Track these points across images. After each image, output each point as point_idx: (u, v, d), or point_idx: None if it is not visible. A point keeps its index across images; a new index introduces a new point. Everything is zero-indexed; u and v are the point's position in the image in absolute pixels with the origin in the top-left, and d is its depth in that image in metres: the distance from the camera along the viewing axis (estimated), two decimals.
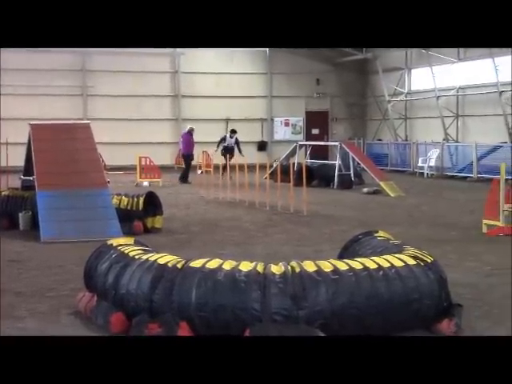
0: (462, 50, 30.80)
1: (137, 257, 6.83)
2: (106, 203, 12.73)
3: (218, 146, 27.65)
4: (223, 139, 28.08)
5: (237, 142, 27.74)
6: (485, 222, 13.06)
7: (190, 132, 26.80)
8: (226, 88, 36.14)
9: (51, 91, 33.24)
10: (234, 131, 28.33)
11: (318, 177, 24.11)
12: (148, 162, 25.16)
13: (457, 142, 30.97)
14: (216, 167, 21.84)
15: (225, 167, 23.99)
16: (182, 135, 28.26)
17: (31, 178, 13.86)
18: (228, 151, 27.25)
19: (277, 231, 13.46)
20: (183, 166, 26.85)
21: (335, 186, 23.14)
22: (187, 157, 26.22)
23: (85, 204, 12.47)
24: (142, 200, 13.27)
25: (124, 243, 7.40)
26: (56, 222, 12.17)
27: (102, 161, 23.84)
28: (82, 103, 34.68)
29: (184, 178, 25.58)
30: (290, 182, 17.29)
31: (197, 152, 26.49)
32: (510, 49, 27.04)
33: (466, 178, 26.95)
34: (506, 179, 13.81)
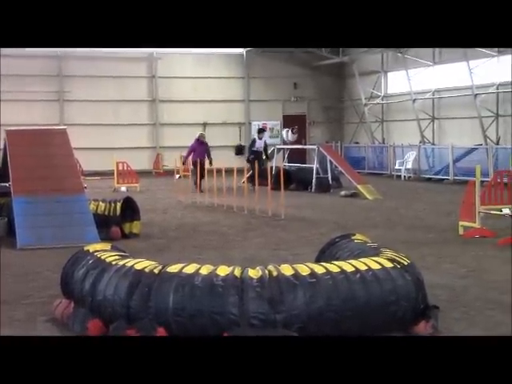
0: (437, 53, 31.01)
1: (114, 262, 6.80)
2: (82, 209, 12.67)
3: (249, 153, 24.97)
4: (253, 143, 25.09)
5: (265, 146, 24.89)
6: (461, 223, 13.14)
7: (199, 138, 24.31)
8: (203, 92, 36.15)
9: (27, 97, 33.06)
10: (262, 131, 25.56)
11: (295, 180, 24.13)
12: (125, 167, 25.08)
13: (433, 144, 31.16)
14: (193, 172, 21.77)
15: (253, 177, 20.54)
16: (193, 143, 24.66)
17: (7, 185, 13.77)
18: (257, 157, 24.19)
19: (255, 235, 13.47)
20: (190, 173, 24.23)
21: (313, 190, 23.18)
22: (195, 165, 23.09)
23: (61, 210, 12.40)
24: (119, 205, 13.23)
25: (101, 249, 7.37)
26: (32, 229, 12.09)
27: (79, 166, 23.80)
28: (58, 108, 34.52)
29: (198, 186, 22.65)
30: (267, 185, 17.32)
31: (174, 156, 26.37)
32: (484, 52, 27.30)
33: (442, 180, 27.12)
34: (482, 181, 13.92)
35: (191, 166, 23.83)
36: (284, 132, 25.81)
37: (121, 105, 35.20)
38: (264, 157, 24.68)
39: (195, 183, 22.72)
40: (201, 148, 23.74)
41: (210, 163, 22.89)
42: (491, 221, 13.75)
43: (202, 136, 24.30)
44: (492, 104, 28.26)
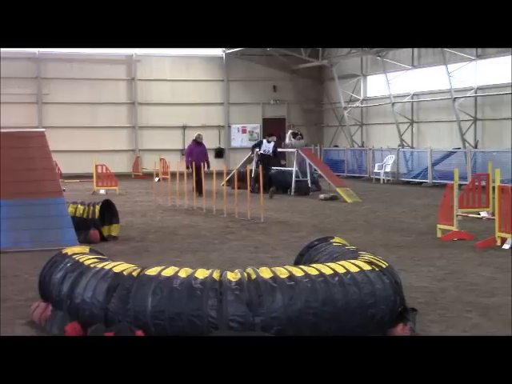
0: (416, 56, 31.21)
1: (92, 265, 6.78)
2: (61, 212, 12.60)
3: (253, 153, 24.11)
4: (258, 145, 24.45)
5: (275, 150, 24.06)
6: (439, 226, 13.22)
7: (196, 139, 23.59)
8: (182, 95, 36.15)
9: (5, 99, 32.86)
10: (272, 135, 24.60)
11: (275, 183, 24.17)
12: (104, 170, 25.00)
13: (412, 147, 31.33)
14: (173, 174, 21.73)
15: (257, 180, 20.70)
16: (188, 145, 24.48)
17: None
18: (265, 160, 23.62)
19: (234, 238, 13.47)
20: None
21: (292, 193, 23.24)
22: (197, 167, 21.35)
23: (40, 213, 12.33)
24: (98, 208, 13.19)
25: (79, 252, 7.34)
26: (10, 232, 12.01)
27: (58, 169, 23.73)
28: (36, 111, 34.37)
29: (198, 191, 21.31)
30: (247, 188, 17.34)
31: (153, 159, 26.31)
32: (462, 56, 27.50)
33: (421, 183, 27.27)
34: (460, 184, 14.02)
35: (188, 169, 22.57)
36: (287, 136, 24.73)
37: (100, 107, 35.13)
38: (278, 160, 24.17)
39: (193, 188, 20.89)
40: (198, 149, 23.16)
41: (208, 167, 22.29)
42: (469, 224, 13.85)
43: (199, 137, 23.68)
44: (470, 108, 28.46)
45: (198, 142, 23.41)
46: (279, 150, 24.83)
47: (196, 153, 22.95)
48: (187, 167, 22.70)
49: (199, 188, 21.35)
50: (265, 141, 24.26)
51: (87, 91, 34.61)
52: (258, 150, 23.96)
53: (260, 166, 20.81)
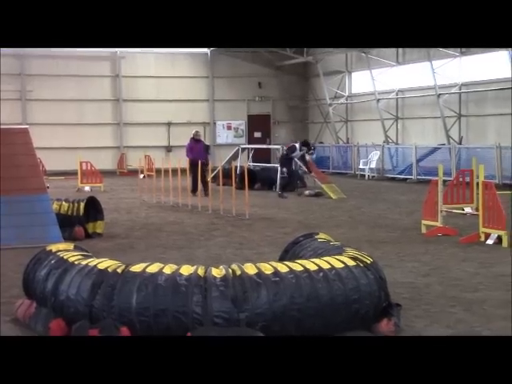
0: (400, 53, 31.28)
1: (76, 262, 6.76)
2: (45, 209, 12.55)
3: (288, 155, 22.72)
4: (291, 149, 23.00)
5: (303, 157, 23.49)
6: (424, 222, 13.27)
7: (194, 137, 22.76)
8: (167, 92, 36.08)
9: None
10: (307, 145, 24.29)
11: (260, 180, 24.19)
12: (89, 167, 24.93)
13: (397, 144, 31.41)
14: (158, 171, 21.66)
15: (286, 186, 21.88)
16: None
17: None
18: (292, 163, 23.04)
19: (219, 234, 13.47)
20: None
21: (277, 189, 23.22)
22: (192, 165, 20.55)
23: (24, 210, 12.28)
24: (82, 205, 13.15)
25: (63, 249, 7.32)
26: None
27: (42, 166, 23.64)
28: (20, 108, 34.21)
29: (193, 189, 20.39)
30: (232, 185, 17.34)
31: (138, 156, 26.23)
32: (447, 53, 27.59)
33: (406, 179, 27.35)
34: (444, 180, 14.08)
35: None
36: (297, 147, 23.04)
37: (84, 104, 35.01)
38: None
39: (192, 188, 20.29)
40: (198, 147, 22.35)
41: (206, 164, 21.43)
42: (453, 219, 13.91)
43: (196, 134, 22.94)
44: (455, 104, 28.58)
45: (196, 140, 22.67)
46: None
47: (196, 150, 22.11)
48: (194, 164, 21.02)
49: (195, 186, 20.40)
50: (297, 146, 23.18)
51: (71, 88, 34.47)
52: (292, 155, 22.81)
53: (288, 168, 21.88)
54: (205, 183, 20.72)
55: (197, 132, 23.21)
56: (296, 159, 23.01)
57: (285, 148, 23.55)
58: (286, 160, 22.80)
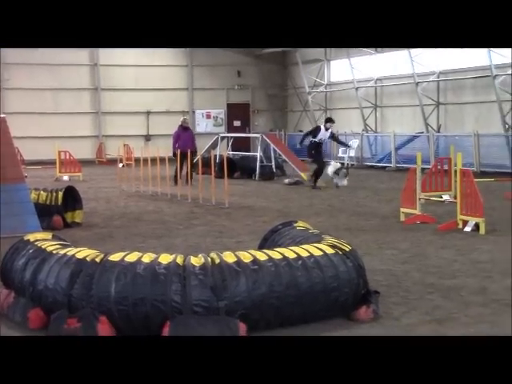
0: None
1: (55, 252, 6.73)
2: (23, 198, 12.47)
3: (301, 143, 21.37)
4: (312, 132, 20.96)
5: (333, 136, 21.22)
6: (402, 210, 13.33)
7: (182, 124, 22.13)
8: (146, 81, 35.93)
9: None
10: (330, 120, 21.14)
11: (239, 168, 24.20)
12: (68, 156, 24.80)
13: (376, 132, 31.51)
14: (137, 160, 21.56)
15: (317, 174, 19.97)
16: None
17: None
18: (319, 148, 20.70)
19: (198, 223, 13.46)
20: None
21: (257, 178, 23.27)
22: (181, 154, 20.49)
23: (2, 199, 12.18)
24: (60, 194, 13.09)
25: (41, 238, 7.29)
26: None
27: (20, 155, 23.49)
28: None
29: (175, 178, 20.36)
30: (211, 174, 17.32)
31: (117, 145, 26.09)
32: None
33: (385, 167, 27.47)
34: (423, 168, 14.14)
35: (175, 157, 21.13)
36: (322, 128, 20.57)
37: (62, 93, 34.78)
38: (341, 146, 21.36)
39: (175, 177, 20.19)
40: (186, 135, 21.74)
41: (194, 153, 20.31)
42: (432, 207, 14.00)
43: (184, 121, 22.28)
44: (433, 92, 28.69)
45: (184, 127, 22.03)
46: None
47: (184, 139, 21.44)
48: (174, 155, 21.29)
49: (179, 175, 20.10)
50: (322, 127, 20.65)
51: (49, 77, 34.22)
52: (312, 139, 20.67)
53: (318, 156, 20.00)
54: (191, 173, 19.85)
55: (185, 119, 22.71)
56: (326, 141, 20.95)
57: (306, 132, 21.80)
58: (316, 146, 20.48)
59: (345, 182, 20.16)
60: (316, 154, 20.55)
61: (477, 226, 11.68)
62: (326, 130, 20.43)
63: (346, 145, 23.20)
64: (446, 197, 14.33)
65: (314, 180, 20.16)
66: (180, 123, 22.23)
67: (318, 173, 20.11)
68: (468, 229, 11.79)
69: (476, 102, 26.75)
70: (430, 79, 28.50)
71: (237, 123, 37.91)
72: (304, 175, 21.54)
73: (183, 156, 19.43)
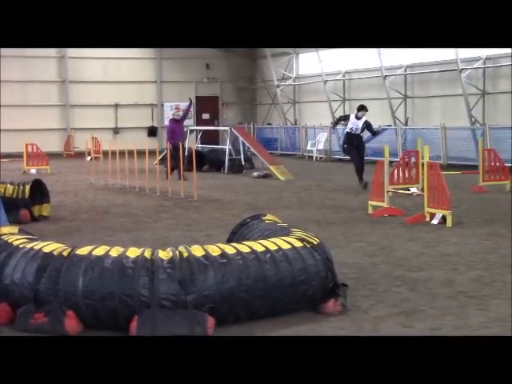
0: None
1: (21, 246, 6.67)
2: None
3: (334, 127, 20.28)
4: (342, 119, 19.29)
5: (367, 126, 18.04)
6: (370, 203, 13.41)
7: (174, 117, 21.70)
8: (114, 73, 35.75)
9: None
10: (363, 108, 18.33)
11: (208, 162, 24.17)
12: (35, 149, 24.59)
13: (344, 125, 31.56)
14: (105, 153, 21.44)
15: (358, 172, 17.79)
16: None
17: None
18: (353, 140, 18.09)
19: (167, 217, 13.43)
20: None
21: (226, 171, 23.25)
22: (175, 149, 19.24)
23: None
24: (28, 188, 12.97)
25: (8, 232, 7.22)
26: None
27: None
28: None
29: (171, 172, 19.02)
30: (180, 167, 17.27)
31: (85, 138, 25.90)
32: None
33: None
34: (390, 161, 14.23)
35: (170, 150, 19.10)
36: (352, 116, 18.33)
37: (29, 85, 34.45)
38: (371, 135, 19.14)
39: (171, 171, 18.99)
40: (179, 128, 21.30)
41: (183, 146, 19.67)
42: (399, 200, 14.10)
43: (176, 113, 21.96)
44: (400, 86, 28.87)
45: (176, 120, 21.51)
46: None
47: (179, 132, 21.06)
48: (175, 149, 19.29)
49: (175, 170, 19.31)
50: (352, 116, 18.37)
51: (16, 68, 33.85)
52: (343, 124, 18.92)
53: (354, 150, 17.85)
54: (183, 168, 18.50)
55: (175, 111, 22.30)
56: (355, 131, 17.98)
57: (334, 121, 19.32)
58: (349, 139, 18.23)
59: None
60: (349, 149, 18.33)
61: (444, 218, 11.79)
62: (358, 118, 17.94)
63: (374, 132, 19.42)
64: (413, 189, 14.44)
65: (359, 180, 17.86)
66: (171, 116, 21.91)
67: (357, 171, 17.94)
68: (435, 221, 11.89)
69: (443, 95, 26.98)
70: (398, 73, 28.68)
71: (205, 116, 37.84)
72: (273, 168, 21.55)
73: (178, 151, 18.17)
